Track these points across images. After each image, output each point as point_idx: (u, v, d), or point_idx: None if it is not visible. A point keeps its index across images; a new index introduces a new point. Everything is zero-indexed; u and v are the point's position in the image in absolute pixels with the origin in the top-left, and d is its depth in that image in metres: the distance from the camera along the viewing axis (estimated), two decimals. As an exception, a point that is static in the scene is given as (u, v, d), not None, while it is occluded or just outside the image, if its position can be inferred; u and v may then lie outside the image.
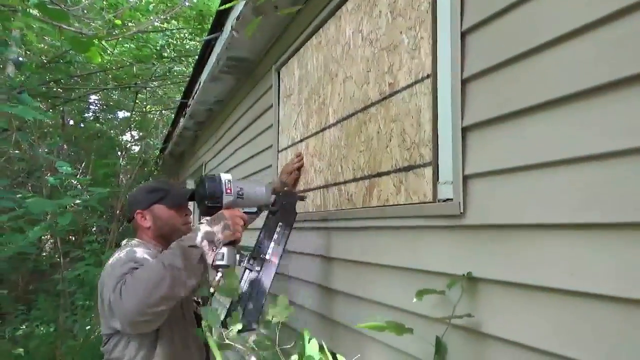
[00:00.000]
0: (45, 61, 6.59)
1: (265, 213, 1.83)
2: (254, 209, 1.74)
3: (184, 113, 5.02)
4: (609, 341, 0.83)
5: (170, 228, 1.78)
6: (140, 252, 1.62)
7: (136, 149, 10.48)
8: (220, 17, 2.89)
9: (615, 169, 0.83)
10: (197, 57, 3.92)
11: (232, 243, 1.55)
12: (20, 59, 5.81)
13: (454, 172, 1.21)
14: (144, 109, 10.30)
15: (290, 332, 2.17)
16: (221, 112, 4.35)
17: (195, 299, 1.89)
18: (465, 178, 1.18)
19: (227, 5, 2.52)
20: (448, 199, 1.24)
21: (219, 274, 1.50)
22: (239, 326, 1.38)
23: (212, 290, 1.51)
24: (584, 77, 0.89)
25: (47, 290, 7.25)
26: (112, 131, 9.59)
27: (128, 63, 8.05)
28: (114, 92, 9.50)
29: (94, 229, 9.72)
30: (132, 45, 8.35)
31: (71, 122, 9.42)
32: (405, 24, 1.46)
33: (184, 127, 5.36)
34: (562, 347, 0.91)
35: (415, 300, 1.14)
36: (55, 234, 4.38)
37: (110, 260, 1.60)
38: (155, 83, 8.99)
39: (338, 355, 1.27)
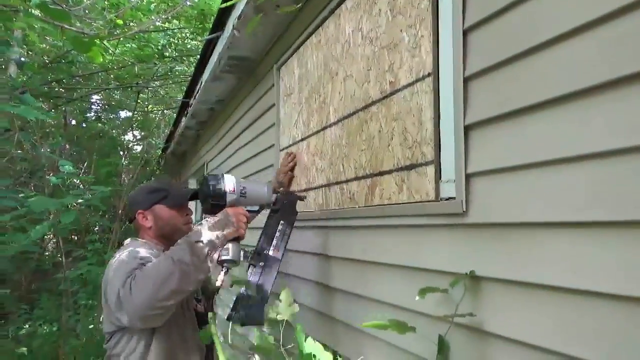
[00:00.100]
0: (47, 61, 6.60)
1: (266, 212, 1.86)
2: (256, 208, 1.79)
3: (185, 112, 5.02)
4: (611, 339, 0.82)
5: (171, 228, 1.80)
6: (143, 251, 1.64)
7: (138, 148, 10.50)
8: (222, 16, 2.89)
9: (617, 167, 0.83)
10: (198, 56, 3.92)
11: (236, 239, 1.61)
12: (22, 59, 5.82)
13: (456, 170, 1.20)
14: (146, 109, 10.31)
15: (290, 329, 2.17)
16: (223, 112, 4.35)
17: (196, 296, 1.90)
18: (468, 176, 1.17)
19: (229, 3, 2.52)
20: (450, 198, 1.24)
21: (224, 269, 1.56)
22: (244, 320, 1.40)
23: (218, 285, 1.56)
24: (585, 75, 0.89)
25: (50, 289, 7.28)
26: (114, 131, 9.60)
27: (130, 63, 8.06)
28: (115, 91, 9.51)
29: (97, 228, 9.74)
30: (133, 45, 8.35)
31: (73, 122, 9.44)
32: (405, 22, 1.46)
33: (186, 126, 5.36)
34: (564, 345, 0.91)
35: (417, 298, 1.14)
36: (57, 233, 4.39)
37: (114, 259, 1.61)
38: (157, 83, 9.00)
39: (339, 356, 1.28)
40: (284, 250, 1.77)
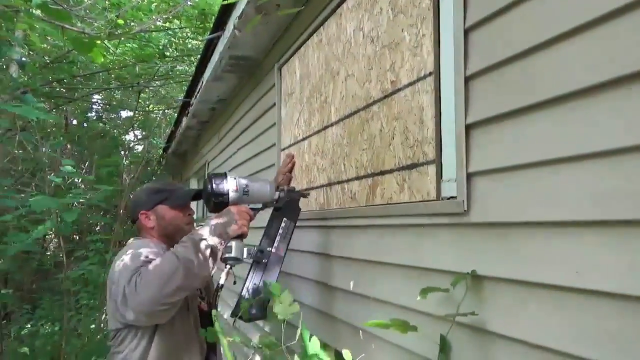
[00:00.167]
0: (48, 61, 6.60)
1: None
2: (259, 205, 1.80)
3: (186, 112, 5.02)
4: (614, 338, 0.82)
5: (174, 228, 1.82)
6: (147, 250, 1.65)
7: (139, 148, 10.50)
8: (223, 16, 2.89)
9: (620, 166, 0.83)
10: (199, 56, 3.92)
11: (239, 237, 1.63)
12: (24, 59, 5.82)
13: (458, 169, 1.20)
14: (147, 109, 10.31)
15: (293, 329, 2.17)
16: (224, 111, 4.35)
17: (200, 294, 1.92)
18: (469, 176, 1.17)
19: (230, 1, 2.52)
20: (452, 197, 1.24)
21: (228, 266, 1.60)
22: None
23: (221, 282, 1.59)
24: (586, 75, 0.89)
25: (52, 289, 7.29)
26: (115, 131, 9.60)
27: (130, 62, 8.06)
28: (116, 91, 9.52)
29: (98, 228, 9.75)
30: (134, 45, 8.35)
31: (74, 122, 9.44)
32: (406, 21, 1.46)
33: (187, 126, 5.36)
34: (567, 345, 0.91)
35: (419, 298, 1.14)
36: (58, 231, 4.39)
37: (119, 258, 1.63)
38: (158, 82, 8.99)
39: (343, 351, 1.28)
40: (287, 248, 1.78)
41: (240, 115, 3.60)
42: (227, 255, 1.59)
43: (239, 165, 3.60)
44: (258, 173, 3.04)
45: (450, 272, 1.22)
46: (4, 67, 5.77)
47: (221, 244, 1.57)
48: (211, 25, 3.27)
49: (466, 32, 1.20)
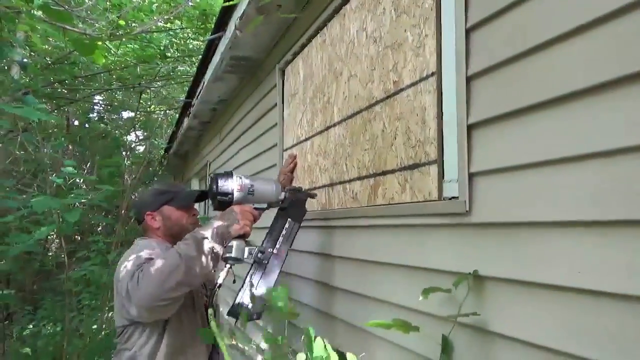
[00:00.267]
0: (49, 62, 6.61)
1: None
2: (264, 205, 1.81)
3: (188, 113, 5.03)
4: (617, 339, 0.82)
5: (179, 228, 1.86)
6: (151, 249, 1.69)
7: (141, 148, 10.51)
8: (224, 17, 2.89)
9: (623, 166, 0.83)
10: (200, 56, 3.92)
11: (242, 237, 1.63)
12: (25, 60, 5.83)
13: (460, 170, 1.20)
14: (148, 109, 10.32)
15: (293, 329, 2.17)
16: (225, 112, 4.36)
17: (205, 291, 1.96)
18: (471, 176, 1.17)
19: (231, 3, 2.52)
20: (454, 197, 1.24)
21: (227, 266, 1.60)
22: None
23: (219, 282, 1.60)
24: (589, 74, 0.89)
25: (54, 289, 7.29)
26: (116, 131, 9.61)
27: (132, 63, 8.07)
28: (118, 92, 9.53)
29: (100, 228, 9.76)
30: (135, 46, 8.36)
31: (76, 123, 9.45)
32: (409, 22, 1.46)
33: (188, 126, 5.37)
34: (569, 345, 0.91)
35: (421, 298, 1.14)
36: (59, 231, 4.39)
37: (125, 256, 1.67)
38: (159, 83, 9.00)
39: (348, 354, 1.27)
40: (289, 249, 1.78)
41: (242, 116, 3.60)
42: (227, 254, 1.59)
43: (241, 166, 3.60)
44: (260, 173, 3.05)
45: (452, 272, 1.22)
46: (6, 68, 5.78)
47: (223, 243, 1.58)
48: (212, 26, 3.27)
49: (467, 32, 1.20)
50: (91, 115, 9.61)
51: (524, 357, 1.01)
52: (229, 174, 1.70)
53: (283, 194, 1.83)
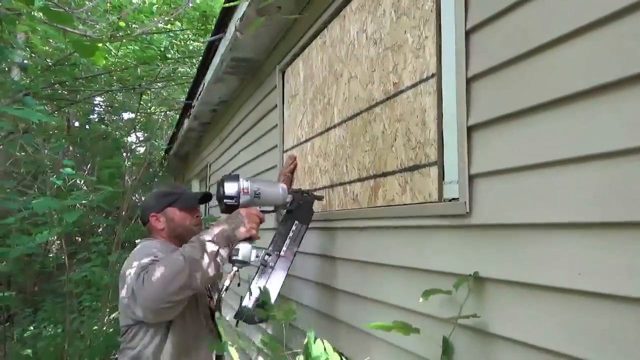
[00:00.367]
0: (50, 64, 6.61)
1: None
2: (271, 208, 1.83)
3: (188, 114, 5.03)
4: (617, 341, 0.82)
5: (183, 229, 1.89)
6: (156, 249, 1.70)
7: (141, 150, 10.51)
8: (224, 18, 2.90)
9: (623, 167, 0.83)
10: (201, 58, 3.92)
11: (248, 240, 1.64)
12: (25, 61, 5.83)
13: (460, 171, 1.20)
14: (149, 110, 10.32)
15: (294, 331, 2.17)
16: (225, 113, 4.36)
17: (208, 292, 1.98)
18: (471, 177, 1.17)
19: (232, 4, 2.53)
20: (454, 199, 1.24)
21: (234, 269, 1.61)
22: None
23: (226, 284, 1.61)
24: (589, 76, 0.89)
25: (54, 291, 7.29)
26: (117, 133, 9.61)
27: (132, 65, 8.07)
28: (118, 93, 9.53)
29: (100, 230, 9.76)
30: (136, 47, 8.36)
31: (76, 124, 9.46)
32: (409, 23, 1.46)
33: (189, 128, 5.37)
34: (569, 347, 0.90)
35: (421, 300, 1.14)
36: (60, 233, 4.39)
37: (131, 255, 1.69)
38: (160, 84, 9.00)
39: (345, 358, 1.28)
40: (296, 252, 1.78)
41: (242, 117, 3.60)
42: (234, 257, 1.61)
43: (241, 167, 3.60)
44: (260, 174, 3.05)
45: (452, 273, 1.22)
46: (6, 69, 5.78)
47: (229, 246, 1.59)
48: (212, 28, 3.27)
49: (467, 34, 1.20)
50: (91, 116, 9.62)
51: (524, 359, 1.01)
52: (235, 177, 1.72)
53: (290, 196, 1.84)
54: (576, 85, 0.91)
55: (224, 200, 1.70)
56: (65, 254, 5.54)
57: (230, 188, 1.69)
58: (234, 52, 2.97)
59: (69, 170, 4.39)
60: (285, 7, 2.36)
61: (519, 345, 1.02)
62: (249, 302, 1.65)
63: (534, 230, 1.01)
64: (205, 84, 3.81)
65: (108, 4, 7.37)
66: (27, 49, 6.57)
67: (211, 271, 1.53)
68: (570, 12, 0.93)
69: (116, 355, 1.77)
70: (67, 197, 4.33)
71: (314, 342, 1.27)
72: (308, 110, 2.27)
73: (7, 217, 3.98)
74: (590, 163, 0.89)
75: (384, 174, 1.58)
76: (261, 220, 1.70)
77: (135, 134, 10.76)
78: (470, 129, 1.18)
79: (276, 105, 2.72)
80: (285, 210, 1.87)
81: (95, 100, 9.12)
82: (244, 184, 1.71)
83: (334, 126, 1.98)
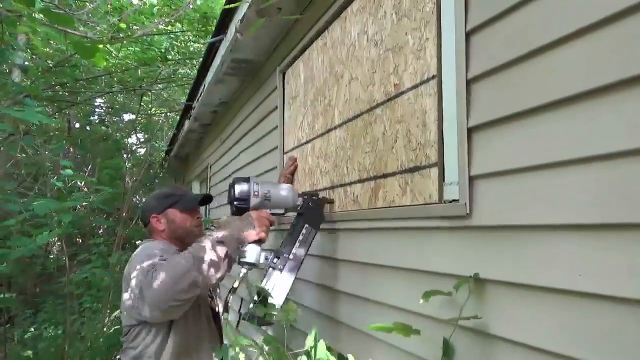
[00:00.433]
0: (51, 65, 6.61)
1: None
2: (281, 211, 1.85)
3: (189, 115, 5.04)
4: (617, 342, 0.82)
5: (183, 230, 1.90)
6: (160, 249, 1.72)
7: (142, 151, 10.52)
8: (224, 19, 2.90)
9: (624, 169, 0.83)
10: (201, 59, 3.93)
11: (258, 242, 1.66)
12: (26, 63, 5.85)
13: (460, 172, 1.20)
14: (149, 112, 10.32)
15: (294, 332, 2.17)
16: (226, 114, 4.36)
17: (210, 293, 1.99)
18: (472, 179, 1.17)
19: (232, 5, 2.53)
20: (454, 200, 1.24)
21: (243, 270, 1.64)
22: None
23: (235, 285, 1.64)
24: (589, 77, 0.89)
25: (55, 292, 7.29)
26: (117, 134, 9.62)
27: (133, 66, 8.08)
28: (119, 95, 9.53)
29: (101, 231, 9.76)
30: (136, 48, 8.37)
31: (77, 125, 9.47)
32: (410, 25, 1.46)
33: (189, 129, 5.38)
34: (570, 348, 0.90)
35: (422, 301, 1.14)
36: (61, 234, 4.39)
37: (134, 257, 1.70)
38: (160, 85, 9.01)
39: (349, 356, 1.28)
40: (305, 254, 1.79)
41: (243, 118, 3.61)
42: (242, 259, 1.62)
43: (242, 168, 3.60)
44: (261, 175, 3.05)
45: (452, 275, 1.22)
46: (7, 71, 5.79)
47: (238, 248, 1.61)
48: (213, 29, 3.27)
49: (468, 35, 1.20)
50: (92, 118, 9.64)
51: (525, 360, 1.01)
52: (246, 180, 1.73)
53: (300, 199, 1.86)
54: (576, 86, 0.91)
55: (235, 203, 1.71)
56: (65, 256, 5.54)
57: (240, 190, 1.71)
58: (234, 53, 2.97)
59: (69, 171, 4.40)
60: (285, 8, 2.36)
61: (519, 346, 1.02)
62: (255, 304, 1.65)
63: (534, 232, 1.01)
64: (206, 85, 3.82)
65: (109, 6, 7.37)
66: (28, 50, 6.58)
67: (219, 272, 1.54)
68: (570, 14, 0.93)
69: (117, 356, 1.77)
70: (67, 198, 4.34)
71: (317, 343, 1.27)
72: (308, 111, 2.28)
73: (7, 219, 3.98)
74: (590, 164, 0.89)
75: (385, 175, 1.58)
76: (271, 223, 1.72)
77: (136, 136, 10.78)
78: (470, 130, 1.18)
79: (277, 107, 2.72)
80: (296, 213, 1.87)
81: (96, 102, 9.13)
82: (255, 186, 1.73)
83: (335, 127, 1.98)
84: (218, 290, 2.15)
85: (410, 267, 1.42)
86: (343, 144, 1.90)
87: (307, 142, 2.29)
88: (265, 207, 1.76)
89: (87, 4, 6.61)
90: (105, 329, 5.70)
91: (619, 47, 0.84)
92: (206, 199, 2.04)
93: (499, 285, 1.09)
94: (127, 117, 10.67)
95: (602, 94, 0.87)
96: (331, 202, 1.99)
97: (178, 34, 8.85)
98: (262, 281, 1.70)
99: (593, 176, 0.88)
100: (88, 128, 9.36)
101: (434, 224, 1.31)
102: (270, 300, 1.62)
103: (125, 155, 8.99)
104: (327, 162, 2.05)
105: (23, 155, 6.59)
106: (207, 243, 1.55)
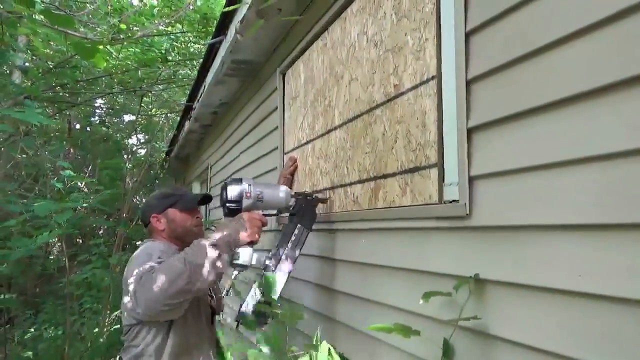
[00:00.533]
0: (51, 66, 6.62)
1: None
2: (274, 212, 1.84)
3: (189, 116, 5.04)
4: (617, 342, 0.82)
5: (183, 230, 1.90)
6: (159, 250, 1.72)
7: (142, 152, 10.52)
8: (224, 20, 2.90)
9: (623, 169, 0.83)
10: (201, 60, 3.93)
11: (250, 243, 1.65)
12: (27, 64, 5.85)
13: (460, 173, 1.20)
14: (150, 113, 10.33)
15: (293, 332, 2.17)
16: (226, 115, 4.37)
17: (210, 293, 1.99)
18: (471, 179, 1.17)
19: (231, 8, 2.53)
20: (454, 200, 1.24)
21: (235, 272, 1.63)
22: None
23: (226, 287, 1.65)
24: (589, 78, 0.89)
25: (55, 293, 7.30)
26: (118, 135, 9.63)
27: (133, 67, 8.08)
28: (119, 96, 9.54)
29: (101, 231, 9.76)
30: (137, 49, 8.37)
31: (77, 126, 9.48)
32: (410, 26, 1.46)
33: (189, 130, 5.38)
34: (570, 349, 0.90)
35: (422, 302, 1.14)
36: (61, 235, 4.39)
37: (135, 256, 1.71)
38: (161, 86, 9.01)
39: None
40: (298, 255, 1.79)
41: (243, 119, 3.61)
42: (235, 261, 1.62)
43: (242, 169, 3.61)
44: (261, 176, 3.05)
45: (452, 275, 1.22)
46: (7, 72, 5.79)
47: (230, 250, 1.60)
48: (213, 30, 3.28)
49: (467, 36, 1.20)
50: (92, 118, 9.64)
51: (525, 360, 1.01)
52: (238, 181, 1.72)
53: (293, 200, 1.85)
54: (576, 87, 0.91)
55: (227, 204, 1.71)
56: (65, 256, 5.55)
57: (232, 192, 1.70)
58: (234, 54, 2.98)
59: (69, 172, 4.40)
60: (285, 9, 2.37)
61: (519, 347, 1.02)
62: (248, 306, 1.65)
63: (534, 232, 1.01)
64: (206, 86, 3.82)
65: (109, 7, 7.38)
66: (28, 51, 6.58)
67: (211, 276, 1.54)
68: (570, 14, 0.93)
69: (118, 356, 1.78)
70: (66, 199, 4.34)
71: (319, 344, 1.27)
72: (309, 112, 2.28)
73: (8, 220, 3.99)
74: (590, 164, 0.89)
75: (385, 176, 1.58)
76: (263, 224, 1.71)
77: (136, 136, 10.78)
78: (470, 131, 1.18)
79: (277, 107, 2.73)
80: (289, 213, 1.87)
81: (96, 103, 9.14)
82: (247, 187, 1.72)
83: (335, 128, 1.98)
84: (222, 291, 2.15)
85: (410, 267, 1.42)
86: (343, 145, 1.90)
87: (307, 143, 2.29)
88: (258, 208, 1.75)
89: (88, 5, 6.62)
90: (105, 330, 5.71)
91: (619, 48, 0.84)
92: (206, 199, 2.04)
93: (499, 285, 1.09)
94: (127, 118, 10.68)
95: (601, 95, 0.87)
96: (325, 201, 1.99)
97: (178, 35, 8.86)
98: (255, 283, 1.70)
99: (593, 176, 0.88)
100: (88, 129, 9.37)
101: (433, 225, 1.31)
102: (262, 301, 1.63)
103: (125, 156, 9.00)
104: (327, 162, 2.05)
105: (23, 156, 6.59)
106: (199, 247, 1.54)
